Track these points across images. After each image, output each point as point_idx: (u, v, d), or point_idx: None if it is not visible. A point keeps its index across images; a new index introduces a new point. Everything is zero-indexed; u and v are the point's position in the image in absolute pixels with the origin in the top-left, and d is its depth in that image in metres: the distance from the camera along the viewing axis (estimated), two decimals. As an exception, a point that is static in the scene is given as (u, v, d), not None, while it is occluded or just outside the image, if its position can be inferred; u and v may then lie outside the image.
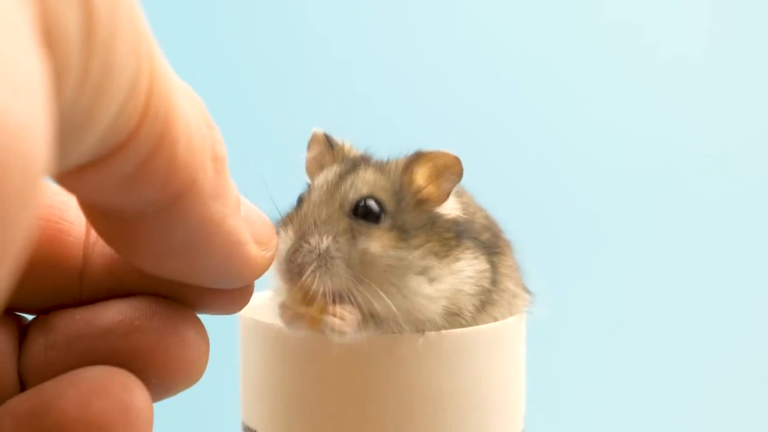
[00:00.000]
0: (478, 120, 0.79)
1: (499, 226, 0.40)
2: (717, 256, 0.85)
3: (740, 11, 0.87)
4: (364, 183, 0.35)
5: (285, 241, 0.34)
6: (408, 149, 0.38)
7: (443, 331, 0.34)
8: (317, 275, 0.32)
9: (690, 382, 0.84)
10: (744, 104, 0.86)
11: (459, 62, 0.82)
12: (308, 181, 0.39)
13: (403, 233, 0.34)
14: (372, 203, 0.34)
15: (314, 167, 0.39)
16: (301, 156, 0.40)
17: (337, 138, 0.40)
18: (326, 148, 0.39)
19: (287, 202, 0.38)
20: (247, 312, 0.38)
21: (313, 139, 0.39)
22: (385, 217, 0.35)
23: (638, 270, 0.84)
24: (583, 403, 0.81)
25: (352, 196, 0.35)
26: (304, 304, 0.33)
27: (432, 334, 0.33)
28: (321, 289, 0.32)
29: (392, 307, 0.33)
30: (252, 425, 0.37)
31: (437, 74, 0.82)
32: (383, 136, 0.40)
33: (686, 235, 0.84)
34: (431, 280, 0.34)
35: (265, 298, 0.42)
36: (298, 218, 0.34)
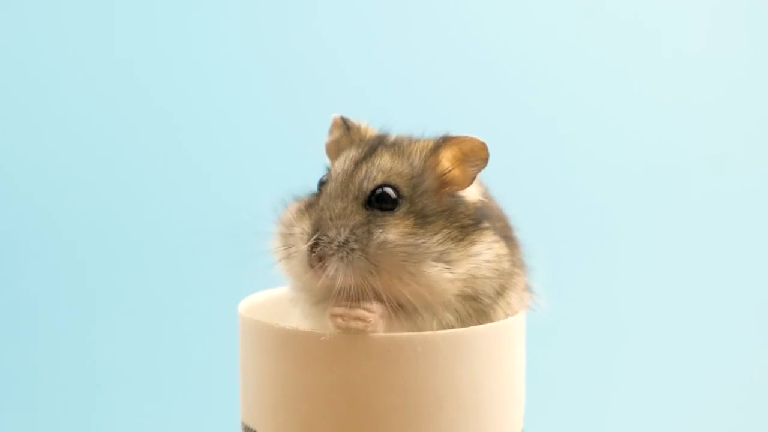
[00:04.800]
0: (479, 118, 0.79)
1: (509, 221, 0.41)
2: (721, 255, 0.85)
3: (741, 10, 0.87)
4: (379, 170, 0.35)
5: (302, 236, 0.34)
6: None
7: (441, 332, 0.34)
8: (338, 267, 0.33)
9: (690, 380, 0.84)
10: (748, 102, 0.86)
11: (460, 61, 0.82)
12: (329, 164, 0.40)
13: (420, 219, 0.35)
14: (388, 190, 0.35)
15: (333, 151, 0.40)
16: (311, 152, 0.41)
17: (354, 120, 0.40)
18: (344, 131, 0.39)
19: (296, 191, 0.38)
20: (247, 312, 0.38)
21: (334, 124, 0.40)
22: (401, 203, 0.35)
23: (639, 269, 0.84)
24: (583, 403, 0.81)
25: (366, 186, 0.35)
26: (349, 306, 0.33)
27: (430, 334, 0.34)
28: (340, 283, 0.33)
29: (410, 295, 0.33)
30: (252, 425, 0.37)
31: (439, 73, 0.82)
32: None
33: (688, 234, 0.84)
34: (449, 265, 0.34)
35: (265, 298, 0.42)
36: (315, 211, 0.34)
